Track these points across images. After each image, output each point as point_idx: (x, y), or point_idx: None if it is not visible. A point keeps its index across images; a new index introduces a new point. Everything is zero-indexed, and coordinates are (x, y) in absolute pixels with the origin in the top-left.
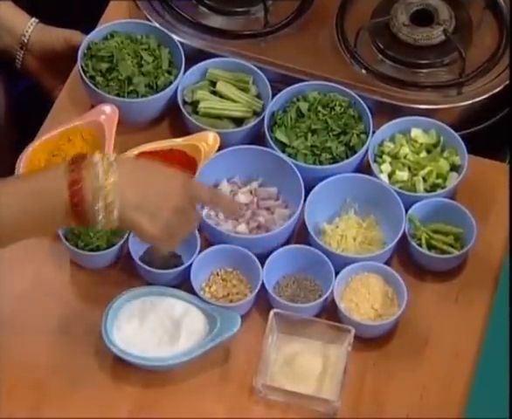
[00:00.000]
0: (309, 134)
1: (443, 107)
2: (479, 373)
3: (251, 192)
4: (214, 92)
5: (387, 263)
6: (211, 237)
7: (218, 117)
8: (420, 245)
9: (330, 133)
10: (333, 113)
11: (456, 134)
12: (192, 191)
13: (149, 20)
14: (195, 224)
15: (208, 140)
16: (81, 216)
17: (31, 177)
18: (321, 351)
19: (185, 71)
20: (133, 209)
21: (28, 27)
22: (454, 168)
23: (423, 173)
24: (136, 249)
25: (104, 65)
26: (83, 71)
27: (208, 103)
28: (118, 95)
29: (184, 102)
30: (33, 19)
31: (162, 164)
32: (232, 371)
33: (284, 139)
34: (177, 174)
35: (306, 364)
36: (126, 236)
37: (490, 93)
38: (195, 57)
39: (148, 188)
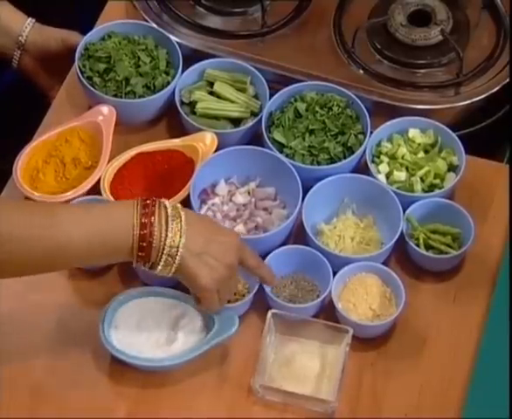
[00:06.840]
0: (307, 135)
1: (440, 108)
2: (477, 372)
3: (248, 192)
4: (212, 93)
5: (385, 263)
6: None
7: (216, 117)
8: (418, 245)
9: (328, 134)
10: (330, 113)
11: (454, 135)
12: (243, 254)
13: (147, 21)
14: (234, 289)
15: (206, 140)
16: (144, 258)
17: (99, 214)
18: (319, 351)
19: (183, 71)
20: (194, 256)
21: (25, 27)
22: (452, 168)
23: (420, 173)
24: None
25: (101, 66)
26: (80, 71)
27: (205, 103)
28: (115, 96)
29: (182, 103)
30: (30, 19)
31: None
32: (230, 372)
33: (282, 139)
34: (234, 232)
35: (304, 364)
36: None
37: (488, 93)
38: (192, 57)
39: (210, 240)
